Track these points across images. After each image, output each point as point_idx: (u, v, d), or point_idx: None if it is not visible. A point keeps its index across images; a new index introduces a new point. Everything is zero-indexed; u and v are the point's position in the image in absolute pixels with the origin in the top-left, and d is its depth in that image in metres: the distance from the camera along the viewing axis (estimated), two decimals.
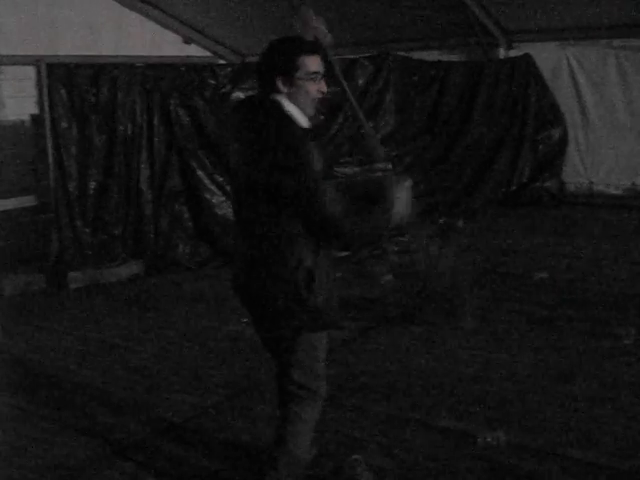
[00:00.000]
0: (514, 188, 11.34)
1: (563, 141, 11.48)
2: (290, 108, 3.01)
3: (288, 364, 3.16)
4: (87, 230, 7.51)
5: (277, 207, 2.93)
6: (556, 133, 11.48)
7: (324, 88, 3.06)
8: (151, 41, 12.57)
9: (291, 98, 3.01)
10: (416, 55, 10.59)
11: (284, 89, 3.00)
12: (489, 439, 3.88)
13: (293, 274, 2.97)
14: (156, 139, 7.84)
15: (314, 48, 3.12)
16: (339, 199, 2.97)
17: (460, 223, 9.73)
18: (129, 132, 7.68)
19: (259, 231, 3.02)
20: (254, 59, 13.40)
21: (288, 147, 2.88)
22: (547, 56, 11.50)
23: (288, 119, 2.98)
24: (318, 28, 3.40)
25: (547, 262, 7.78)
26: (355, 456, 3.72)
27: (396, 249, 8.06)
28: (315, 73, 3.03)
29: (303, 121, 3.03)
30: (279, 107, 3.00)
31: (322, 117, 2.97)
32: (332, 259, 3.20)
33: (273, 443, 3.26)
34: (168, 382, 4.94)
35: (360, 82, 9.26)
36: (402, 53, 10.05)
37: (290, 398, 3.20)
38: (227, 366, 5.19)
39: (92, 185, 7.51)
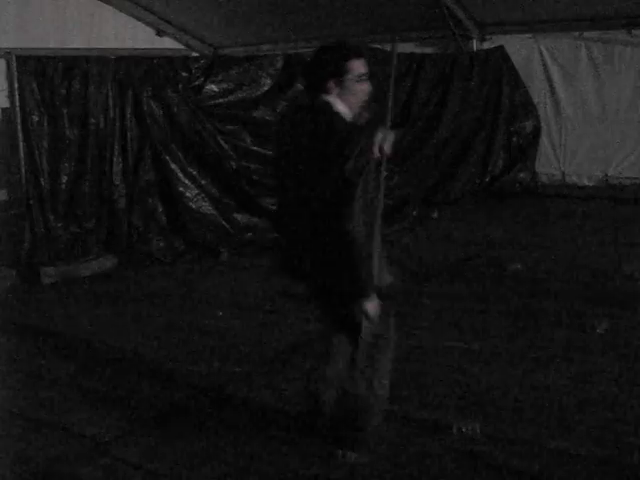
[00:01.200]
0: (488, 179, 11.40)
1: (536, 132, 11.56)
2: (339, 107, 3.32)
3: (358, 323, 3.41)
4: (59, 224, 7.44)
5: (331, 194, 3.20)
6: (529, 125, 11.55)
7: (369, 89, 3.39)
8: (123, 33, 12.45)
9: (340, 98, 3.33)
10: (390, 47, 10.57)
11: (334, 90, 3.32)
12: (464, 429, 3.89)
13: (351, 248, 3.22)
14: (129, 132, 7.78)
15: (360, 52, 3.40)
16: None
17: (434, 214, 9.78)
18: (101, 126, 7.61)
19: (315, 216, 3.30)
20: (227, 51, 13.40)
21: (341, 141, 3.17)
22: (520, 48, 11.57)
23: (338, 117, 3.29)
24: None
25: (521, 253, 7.83)
26: None
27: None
28: (362, 75, 3.34)
29: (350, 119, 3.34)
30: (330, 107, 3.31)
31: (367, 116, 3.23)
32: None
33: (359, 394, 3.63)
34: (143, 377, 4.89)
35: None
36: (376, 45, 10.03)
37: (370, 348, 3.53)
38: (203, 360, 5.15)
39: (64, 179, 7.44)
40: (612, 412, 4.12)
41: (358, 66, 3.35)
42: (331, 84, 3.32)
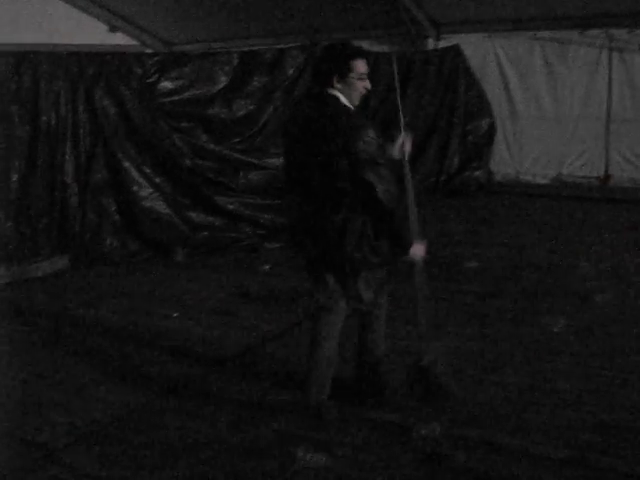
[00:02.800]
0: (444, 178, 11.47)
1: (491, 131, 11.67)
2: (344, 100, 3.80)
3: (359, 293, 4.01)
4: (10, 224, 7.23)
5: (336, 178, 3.71)
6: (484, 123, 11.65)
7: (368, 85, 3.87)
8: (75, 29, 12.25)
9: (343, 92, 3.80)
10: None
11: (338, 85, 3.79)
12: (424, 431, 3.87)
13: (359, 249, 3.79)
14: (81, 130, 7.61)
15: (363, 53, 3.91)
16: (390, 178, 3.71)
17: None
18: (53, 123, 7.42)
19: (326, 201, 3.79)
20: (181, 48, 13.28)
21: (356, 130, 3.65)
22: (475, 47, 11.68)
23: (345, 108, 3.79)
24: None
25: (476, 251, 7.88)
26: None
27: None
28: (363, 73, 3.81)
29: (353, 110, 3.82)
30: (337, 99, 3.79)
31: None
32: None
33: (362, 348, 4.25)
34: (96, 380, 4.78)
35: (290, 72, 9.18)
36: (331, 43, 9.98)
37: (367, 316, 4.18)
38: (158, 362, 5.06)
39: (15, 177, 7.23)
40: (570, 411, 4.13)
41: (360, 65, 3.81)
42: (336, 79, 3.78)
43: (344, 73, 3.77)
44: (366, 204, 3.73)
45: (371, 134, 3.66)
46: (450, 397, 4.21)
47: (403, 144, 4.06)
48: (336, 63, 3.80)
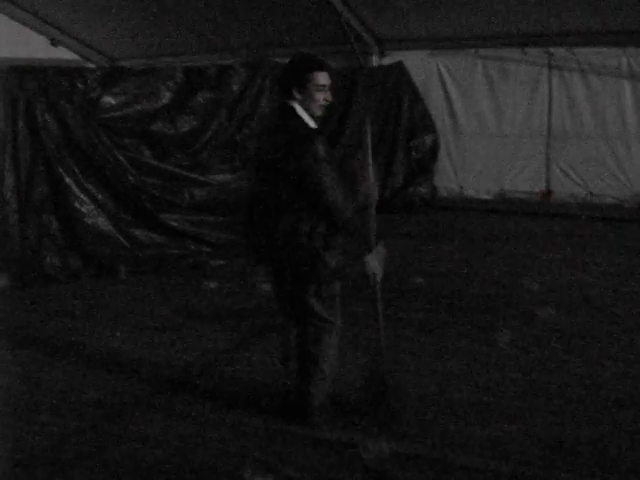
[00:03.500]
0: (388, 194, 11.51)
1: (435, 147, 11.79)
2: (300, 112, 3.89)
3: (312, 307, 4.05)
4: None
5: (297, 189, 3.80)
6: (428, 139, 11.76)
7: (329, 97, 3.95)
8: (15, 42, 12.01)
9: (303, 104, 3.89)
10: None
11: (298, 96, 3.88)
12: (372, 449, 3.84)
13: (312, 240, 3.89)
14: (21, 146, 7.44)
15: (323, 65, 3.92)
16: (341, 184, 3.82)
17: None
18: None
19: (285, 210, 3.88)
20: (125, 63, 13.13)
21: (302, 141, 3.76)
22: (418, 64, 11.81)
23: (300, 120, 3.87)
24: (367, 179, 4.13)
25: (422, 267, 7.93)
26: None
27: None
28: (322, 85, 3.89)
29: (311, 122, 3.91)
30: (293, 111, 3.88)
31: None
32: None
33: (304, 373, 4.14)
34: (35, 404, 4.64)
35: (234, 88, 9.14)
36: (277, 59, 9.99)
37: (318, 330, 4.09)
38: (100, 384, 4.94)
39: None
40: (516, 425, 4.16)
41: (320, 77, 3.88)
42: (295, 90, 3.87)
43: (303, 84, 3.87)
44: (321, 210, 3.85)
45: (318, 148, 3.75)
46: (399, 417, 4.20)
47: (370, 188, 4.10)
48: (296, 74, 3.90)
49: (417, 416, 4.29)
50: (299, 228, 3.88)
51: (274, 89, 9.44)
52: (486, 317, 6.16)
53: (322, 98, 3.92)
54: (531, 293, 6.84)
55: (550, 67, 11.05)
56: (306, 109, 3.90)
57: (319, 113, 3.95)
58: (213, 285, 7.41)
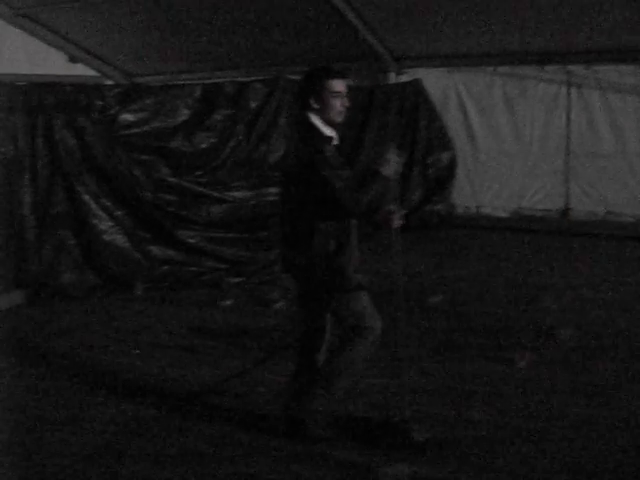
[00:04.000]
0: (405, 211, 11.42)
1: (452, 165, 11.72)
2: (316, 121, 4.00)
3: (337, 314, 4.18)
4: None
5: (311, 196, 3.94)
6: (445, 157, 11.71)
7: (347, 103, 4.03)
8: (35, 58, 12.10)
9: (321, 112, 3.99)
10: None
11: (316, 105, 3.98)
12: (391, 472, 3.79)
13: (325, 246, 4.00)
14: (40, 162, 7.47)
15: (337, 73, 4.03)
16: (351, 185, 3.90)
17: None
18: (10, 154, 7.28)
19: (300, 216, 4.04)
20: (143, 80, 13.19)
21: (313, 149, 3.91)
22: (436, 82, 11.77)
23: (314, 129, 3.99)
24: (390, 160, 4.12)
25: (440, 285, 7.86)
26: None
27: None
28: (338, 92, 3.98)
29: (328, 131, 4.02)
30: (308, 120, 4.01)
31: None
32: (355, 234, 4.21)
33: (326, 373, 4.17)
34: (47, 422, 4.61)
35: (253, 105, 9.13)
36: (294, 77, 9.99)
37: (349, 337, 4.18)
38: (114, 402, 4.91)
39: None
40: (538, 449, 4.09)
41: (336, 85, 3.97)
42: (312, 99, 3.97)
43: (319, 92, 3.96)
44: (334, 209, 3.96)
45: (325, 148, 3.94)
46: (417, 439, 4.14)
47: (389, 160, 4.10)
48: (312, 84, 4.01)
49: (436, 438, 4.22)
50: (313, 233, 4.00)
51: (291, 106, 9.45)
52: (504, 337, 6.09)
53: (339, 104, 4.01)
54: (550, 313, 6.76)
55: (569, 85, 11.00)
56: (325, 117, 4.01)
57: (339, 119, 4.05)
58: (229, 302, 7.38)
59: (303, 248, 4.05)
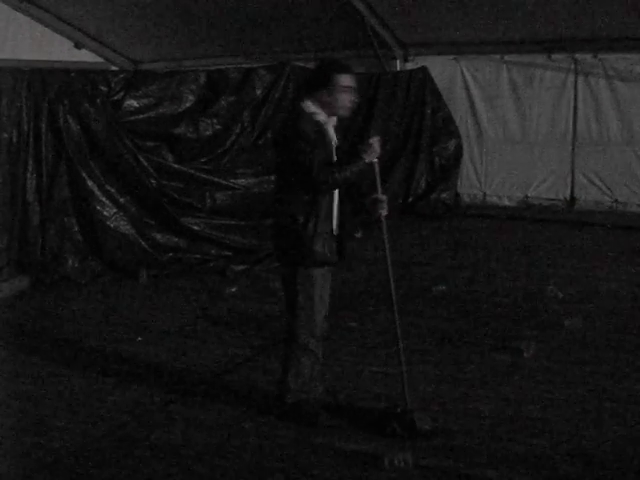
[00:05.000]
0: (411, 199, 11.43)
1: (458, 153, 11.67)
2: (311, 107, 4.11)
3: (290, 300, 4.24)
4: None
5: (285, 177, 4.15)
6: (451, 145, 11.65)
7: (354, 98, 4.15)
8: (39, 44, 12.05)
9: (327, 105, 4.10)
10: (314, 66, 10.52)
11: (323, 98, 4.09)
12: (395, 461, 3.77)
13: (295, 223, 4.09)
14: (44, 147, 7.43)
15: (347, 68, 4.17)
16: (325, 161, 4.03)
17: (358, 234, 9.69)
18: (14, 140, 7.25)
19: (278, 196, 4.23)
20: (148, 66, 13.16)
21: (299, 135, 4.01)
22: (442, 69, 11.72)
23: (303, 111, 4.11)
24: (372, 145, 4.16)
25: (445, 274, 7.83)
26: None
27: None
28: (347, 87, 4.10)
29: (322, 117, 4.12)
30: (301, 108, 4.13)
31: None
32: (329, 215, 4.18)
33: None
34: (55, 409, 4.60)
35: (258, 92, 9.09)
36: (300, 63, 9.94)
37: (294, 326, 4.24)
38: (119, 389, 4.89)
39: None
40: (542, 438, 4.07)
41: (344, 79, 4.09)
42: (321, 92, 4.08)
43: (328, 86, 4.07)
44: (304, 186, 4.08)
45: (302, 127, 4.04)
46: (422, 429, 4.11)
47: (372, 145, 4.13)
48: (321, 77, 4.13)
49: (441, 428, 4.20)
50: (288, 211, 4.13)
51: (297, 93, 9.40)
52: (510, 326, 6.06)
53: (347, 99, 4.12)
54: (556, 302, 6.73)
55: (576, 73, 10.94)
56: (332, 111, 4.13)
57: (346, 114, 4.19)
58: (234, 290, 7.36)
59: (276, 220, 4.27)
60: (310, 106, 4.12)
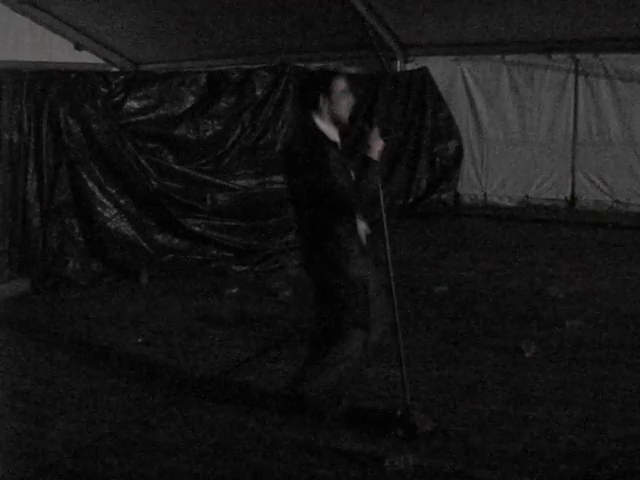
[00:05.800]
0: (411, 200, 11.44)
1: (459, 154, 11.69)
2: (322, 125, 4.14)
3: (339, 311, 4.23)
4: None
5: (319, 204, 4.08)
6: (452, 146, 11.67)
7: (352, 99, 4.22)
8: (40, 46, 12.06)
9: (330, 111, 4.14)
10: (315, 67, 10.53)
11: (325, 106, 4.13)
12: (396, 462, 3.76)
13: (334, 253, 4.14)
14: (44, 149, 7.43)
15: (340, 74, 4.25)
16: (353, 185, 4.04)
17: None
18: (15, 141, 7.25)
19: (313, 219, 4.20)
20: (148, 67, 13.16)
21: (319, 155, 4.00)
22: (443, 70, 11.73)
23: (319, 134, 4.11)
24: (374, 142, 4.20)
25: (446, 274, 7.84)
26: None
27: (295, 263, 7.96)
28: (344, 91, 4.16)
29: (333, 135, 4.16)
30: (314, 124, 4.14)
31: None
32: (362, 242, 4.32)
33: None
34: (55, 410, 4.60)
35: (258, 93, 9.10)
36: (300, 64, 9.95)
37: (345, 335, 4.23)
38: (120, 390, 4.90)
39: None
40: (543, 439, 4.06)
41: (340, 84, 4.16)
42: (320, 99, 4.11)
43: (326, 92, 4.12)
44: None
45: (331, 152, 4.01)
46: (423, 430, 4.11)
47: (374, 144, 4.18)
48: (319, 84, 4.17)
49: (442, 428, 4.20)
50: (325, 238, 4.15)
51: (297, 94, 9.41)
52: (511, 326, 6.06)
53: (346, 102, 4.18)
54: (557, 302, 6.73)
55: (576, 73, 10.94)
56: (333, 116, 4.16)
57: (347, 115, 4.20)
58: (235, 291, 7.36)
59: (317, 250, 4.22)
60: (320, 124, 4.15)
